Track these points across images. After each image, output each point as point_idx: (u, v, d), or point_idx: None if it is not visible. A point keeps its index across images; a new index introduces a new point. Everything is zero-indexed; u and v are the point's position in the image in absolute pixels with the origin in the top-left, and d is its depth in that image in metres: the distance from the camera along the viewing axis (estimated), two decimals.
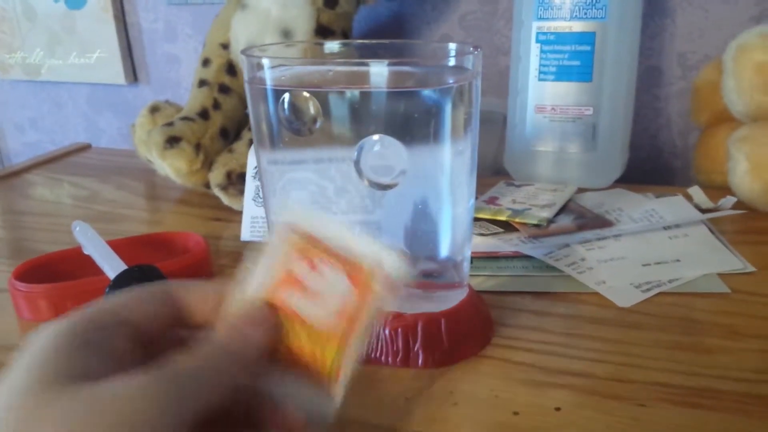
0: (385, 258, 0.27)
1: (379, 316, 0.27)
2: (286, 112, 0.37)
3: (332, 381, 0.27)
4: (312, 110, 0.36)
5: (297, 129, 0.37)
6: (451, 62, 0.39)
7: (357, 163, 0.37)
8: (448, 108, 0.36)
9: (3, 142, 1.11)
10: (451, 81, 0.36)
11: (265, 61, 0.37)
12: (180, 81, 0.95)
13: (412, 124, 0.36)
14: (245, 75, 0.38)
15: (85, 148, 0.92)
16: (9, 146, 1.10)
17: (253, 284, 0.29)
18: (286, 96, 0.36)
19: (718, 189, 0.63)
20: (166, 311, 0.29)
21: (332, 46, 0.43)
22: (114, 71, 0.96)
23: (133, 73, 0.97)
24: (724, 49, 0.63)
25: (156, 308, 0.28)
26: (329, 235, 0.27)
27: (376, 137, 0.36)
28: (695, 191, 0.62)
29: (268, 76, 0.37)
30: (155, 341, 0.28)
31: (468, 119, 0.37)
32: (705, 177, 0.66)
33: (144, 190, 0.75)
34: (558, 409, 0.35)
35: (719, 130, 0.65)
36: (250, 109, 0.39)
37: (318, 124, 0.36)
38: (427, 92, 0.36)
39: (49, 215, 0.67)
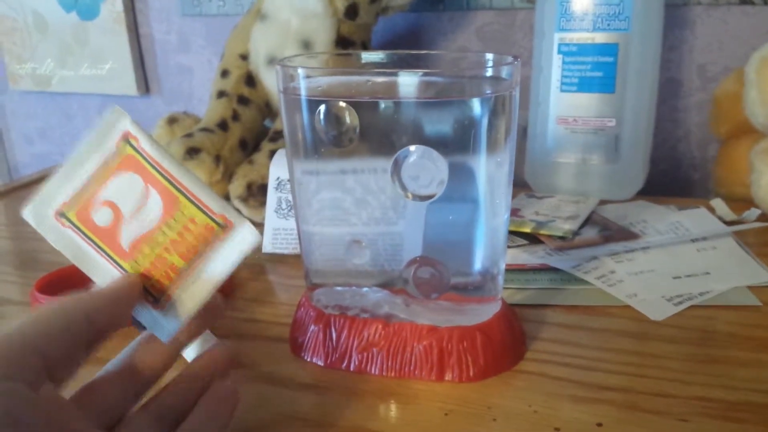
0: (112, 121, 0.29)
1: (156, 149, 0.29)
2: (323, 122, 0.36)
3: (226, 221, 0.30)
4: (349, 120, 0.36)
5: (335, 139, 0.36)
6: (489, 72, 0.38)
7: (394, 173, 0.36)
8: (486, 119, 0.35)
9: (11, 153, 1.10)
10: (489, 91, 0.36)
11: (300, 71, 0.37)
12: (192, 92, 0.94)
13: (450, 135, 0.36)
14: (279, 85, 0.38)
15: None
16: (17, 157, 1.10)
17: (101, 277, 0.30)
18: (323, 107, 0.36)
19: (740, 201, 0.62)
20: (75, 333, 0.27)
21: (367, 56, 0.42)
22: (126, 82, 0.95)
23: (145, 84, 0.96)
24: (744, 60, 0.62)
25: (65, 333, 0.27)
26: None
27: (413, 148, 0.36)
28: (717, 203, 0.62)
29: (303, 86, 0.37)
30: (65, 361, 0.27)
31: (507, 130, 0.36)
32: (726, 189, 0.66)
33: None
34: (600, 424, 0.34)
35: (740, 142, 0.65)
36: (284, 120, 0.39)
37: (356, 134, 0.36)
38: (465, 103, 0.36)
39: None
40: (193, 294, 0.30)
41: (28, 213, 0.28)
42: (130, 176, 0.29)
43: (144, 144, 0.29)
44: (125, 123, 0.29)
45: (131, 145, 0.29)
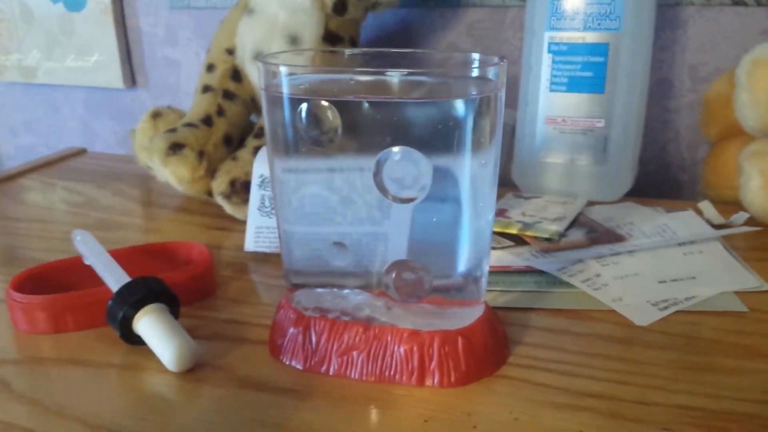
0: None
1: None
2: (304, 121, 0.35)
3: None
4: (331, 120, 0.35)
5: (316, 139, 0.36)
6: (475, 73, 0.37)
7: (376, 175, 0.35)
8: (471, 119, 0.35)
9: None
10: (474, 92, 0.35)
11: (283, 69, 0.36)
12: (179, 86, 0.93)
13: (434, 135, 0.35)
14: (261, 82, 0.37)
15: (81, 152, 0.90)
16: (2, 149, 1.08)
17: None
18: (304, 105, 0.35)
19: (728, 204, 0.62)
20: None
21: (350, 54, 0.41)
22: (112, 75, 0.94)
23: (131, 77, 0.95)
24: (736, 61, 0.62)
25: None
26: None
27: (396, 149, 0.35)
28: (705, 206, 0.61)
29: (285, 83, 0.36)
30: None
31: (492, 131, 0.36)
32: (714, 192, 0.66)
33: (142, 197, 0.73)
34: None
35: (730, 144, 0.64)
36: (265, 117, 0.38)
37: (338, 134, 0.35)
38: (450, 104, 0.35)
39: (44, 222, 0.66)
40: None
41: None
42: None
43: None
44: None
45: None
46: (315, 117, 0.35)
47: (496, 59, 0.35)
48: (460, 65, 0.40)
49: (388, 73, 0.35)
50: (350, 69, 0.40)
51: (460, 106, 0.35)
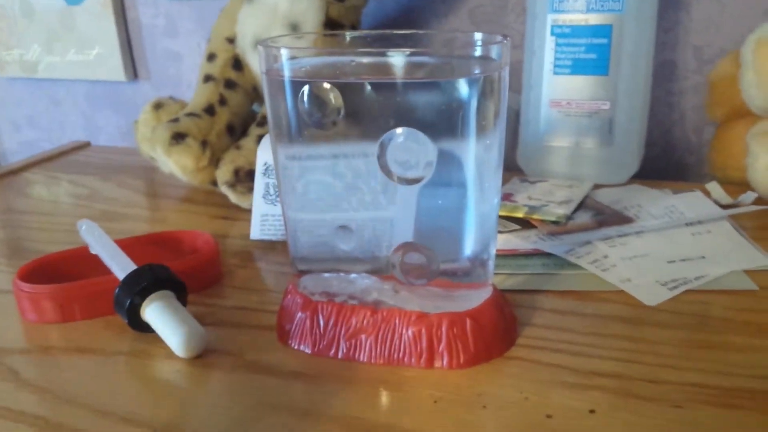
0: None
1: None
2: (306, 104, 0.35)
3: None
4: (333, 102, 0.35)
5: (318, 122, 0.35)
6: (478, 52, 0.37)
7: (380, 157, 0.35)
8: (474, 100, 0.34)
9: None
10: (477, 71, 0.35)
11: (284, 52, 0.36)
12: (181, 77, 0.93)
13: (438, 116, 0.35)
14: (262, 66, 0.37)
15: (85, 146, 0.90)
16: (5, 145, 1.08)
17: None
18: (306, 88, 0.35)
19: (736, 185, 0.61)
20: None
21: (351, 36, 0.41)
22: (113, 68, 0.94)
23: (133, 69, 0.95)
24: (741, 42, 0.61)
25: None
26: None
27: (399, 130, 0.35)
28: (713, 187, 0.61)
29: (287, 67, 0.36)
30: None
31: (496, 112, 0.35)
32: (720, 173, 0.65)
33: (146, 188, 0.73)
34: (593, 411, 0.34)
35: (736, 125, 0.64)
36: (267, 102, 0.38)
37: (340, 117, 0.35)
38: (453, 83, 0.35)
39: (49, 214, 0.66)
40: None
41: None
42: None
43: None
44: None
45: None
46: (317, 99, 0.35)
47: (499, 38, 0.35)
48: (463, 45, 0.40)
49: (390, 54, 0.35)
50: (352, 50, 0.40)
51: (463, 86, 0.34)
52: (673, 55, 0.71)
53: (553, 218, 0.54)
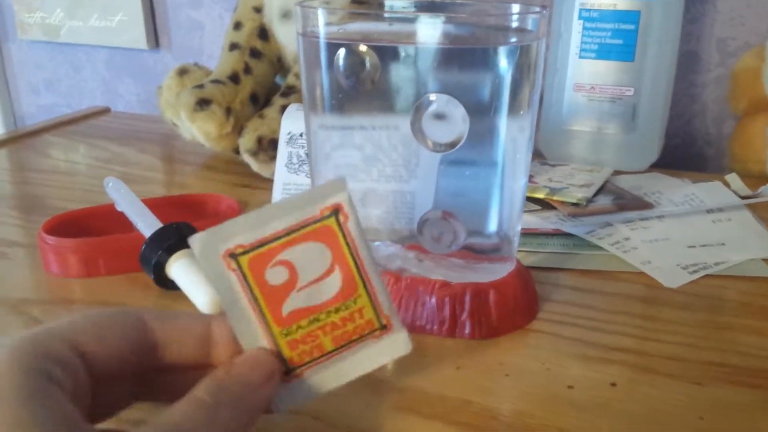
0: (330, 190, 0.27)
1: (360, 234, 0.27)
2: (342, 66, 0.35)
3: (388, 323, 0.29)
4: (369, 64, 0.35)
5: (354, 85, 0.36)
6: (514, 23, 0.37)
7: (414, 123, 0.35)
8: (510, 70, 0.35)
9: (17, 104, 1.09)
10: (514, 40, 0.35)
11: (321, 12, 0.36)
12: (203, 48, 0.93)
13: (473, 85, 0.35)
14: (299, 28, 0.37)
15: (105, 111, 0.90)
16: (23, 108, 1.09)
17: (247, 336, 0.27)
18: (342, 50, 0.35)
19: (755, 178, 0.62)
20: (133, 344, 0.24)
21: (390, 2, 0.41)
22: (135, 35, 0.94)
23: (155, 37, 0.95)
24: (766, 36, 0.61)
25: (119, 340, 0.24)
26: (263, 226, 0.26)
27: (433, 96, 0.35)
28: (733, 178, 0.61)
29: (323, 29, 0.36)
30: (111, 381, 0.24)
31: (531, 85, 0.36)
32: (741, 165, 0.65)
33: (167, 154, 0.73)
34: (614, 384, 0.34)
35: (758, 118, 0.64)
36: (301, 66, 0.38)
37: (377, 77, 0.35)
38: (488, 51, 0.35)
39: (71, 174, 0.66)
40: (325, 380, 0.28)
41: (196, 240, 0.25)
42: (321, 248, 0.27)
43: (351, 225, 0.27)
44: (342, 197, 0.27)
45: (337, 220, 0.27)
46: (353, 62, 0.35)
47: (537, 8, 0.35)
48: (501, 15, 0.40)
49: (426, 18, 0.35)
50: (389, 12, 0.40)
51: (498, 55, 0.35)
52: (698, 46, 0.71)
53: (573, 200, 0.54)
